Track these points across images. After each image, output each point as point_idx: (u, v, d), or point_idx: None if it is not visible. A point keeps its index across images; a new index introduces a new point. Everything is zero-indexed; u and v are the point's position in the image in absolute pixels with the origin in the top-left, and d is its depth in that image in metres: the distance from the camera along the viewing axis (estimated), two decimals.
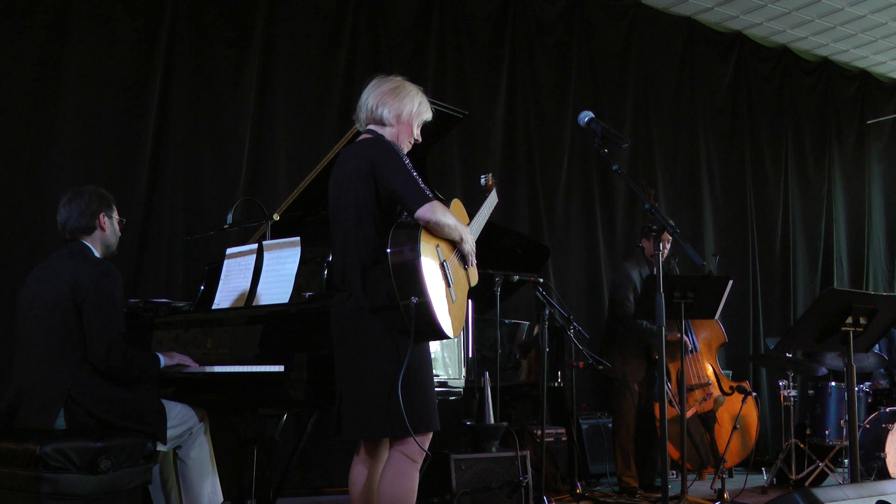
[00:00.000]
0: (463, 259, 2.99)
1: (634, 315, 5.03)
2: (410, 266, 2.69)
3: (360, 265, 2.80)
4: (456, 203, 3.06)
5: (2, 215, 4.66)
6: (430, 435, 2.85)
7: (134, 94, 5.08)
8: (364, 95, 2.98)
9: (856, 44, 8.10)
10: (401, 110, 2.95)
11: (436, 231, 2.82)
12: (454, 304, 2.86)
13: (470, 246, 2.98)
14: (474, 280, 3.07)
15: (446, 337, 2.81)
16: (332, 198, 2.95)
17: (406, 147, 3.00)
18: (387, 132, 2.95)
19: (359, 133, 3.07)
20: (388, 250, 2.71)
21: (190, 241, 4.94)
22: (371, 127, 2.97)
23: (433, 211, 2.76)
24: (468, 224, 3.12)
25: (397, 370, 2.69)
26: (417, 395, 2.74)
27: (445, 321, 2.76)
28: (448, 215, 2.83)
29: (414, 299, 2.66)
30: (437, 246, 2.84)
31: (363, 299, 2.77)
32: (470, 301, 3.78)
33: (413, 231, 2.75)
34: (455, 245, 2.94)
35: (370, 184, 2.81)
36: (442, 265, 2.83)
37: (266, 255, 3.63)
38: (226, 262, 3.81)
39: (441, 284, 2.79)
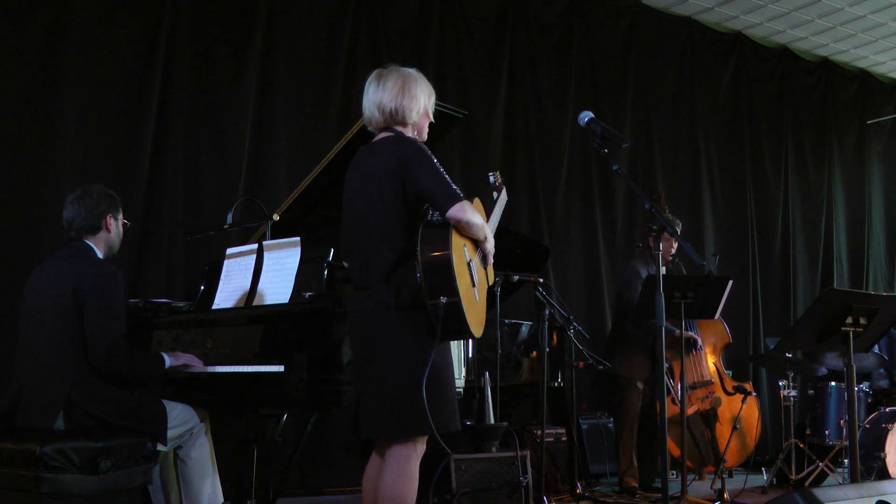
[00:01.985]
0: (483, 259, 2.97)
1: (637, 313, 5.03)
2: (443, 266, 2.66)
3: (384, 264, 2.76)
4: (476, 202, 3.03)
5: (2, 215, 4.66)
6: (425, 436, 2.83)
7: (134, 93, 5.08)
8: (374, 98, 2.92)
9: (856, 44, 8.10)
10: (419, 105, 2.94)
11: (465, 231, 2.80)
12: (477, 304, 2.85)
13: (491, 246, 2.96)
14: (491, 279, 3.07)
15: (472, 336, 2.80)
16: (351, 197, 2.91)
17: (426, 131, 3.00)
18: (409, 130, 2.93)
19: (362, 130, 3.05)
20: (419, 249, 2.68)
21: (190, 241, 4.94)
22: (393, 127, 2.93)
23: (464, 210, 2.74)
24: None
25: (422, 369, 2.67)
26: (437, 395, 2.72)
27: (472, 320, 2.74)
28: (477, 214, 2.82)
29: (443, 299, 2.64)
30: (464, 245, 2.82)
31: (388, 298, 2.73)
32: None
33: (443, 230, 2.72)
34: (478, 244, 2.92)
35: (397, 183, 2.78)
36: (468, 264, 2.82)
37: (266, 255, 3.63)
38: (226, 262, 3.81)
39: (468, 284, 2.78)
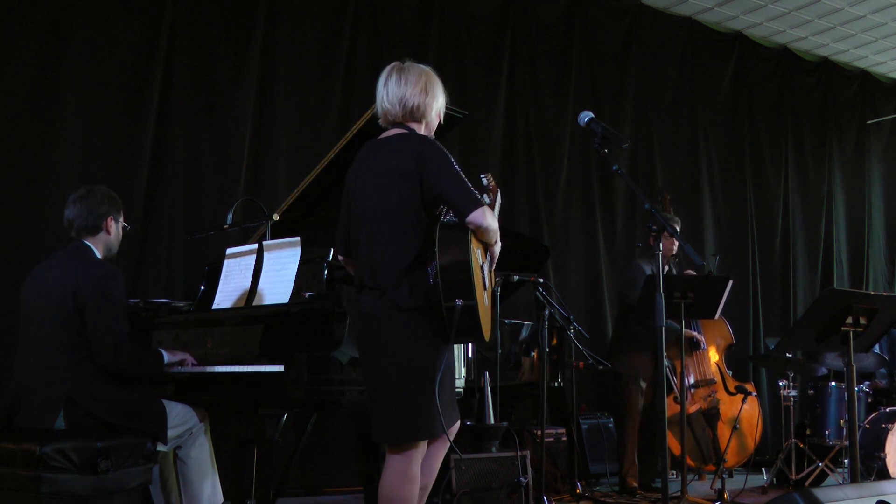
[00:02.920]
0: (490, 262, 2.95)
1: (636, 313, 5.03)
2: (462, 269, 2.63)
3: (399, 263, 2.72)
4: None
5: (2, 215, 4.66)
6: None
7: (134, 93, 5.08)
8: (397, 92, 2.86)
9: (856, 44, 8.10)
10: (438, 105, 2.92)
11: (482, 235, 2.77)
12: (486, 308, 2.83)
13: (499, 248, 2.93)
14: (493, 283, 3.06)
15: (483, 340, 2.78)
16: (360, 193, 2.85)
17: (433, 133, 2.97)
18: (422, 128, 2.90)
19: (363, 130, 3.03)
20: (437, 251, 2.64)
21: (190, 241, 4.94)
22: (408, 123, 2.89)
23: (484, 216, 2.70)
24: None
25: (433, 371, 2.65)
26: (443, 396, 2.70)
27: (484, 324, 2.73)
28: (494, 219, 2.79)
29: (458, 302, 2.61)
30: (478, 249, 2.79)
31: (401, 298, 2.69)
32: None
33: (462, 233, 2.69)
34: (487, 248, 2.89)
35: (415, 183, 2.73)
36: (481, 268, 2.80)
37: (266, 255, 3.64)
38: (226, 262, 3.81)
39: (481, 288, 2.75)
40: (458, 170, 2.75)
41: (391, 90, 2.88)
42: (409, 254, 2.72)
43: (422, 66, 2.95)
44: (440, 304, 2.63)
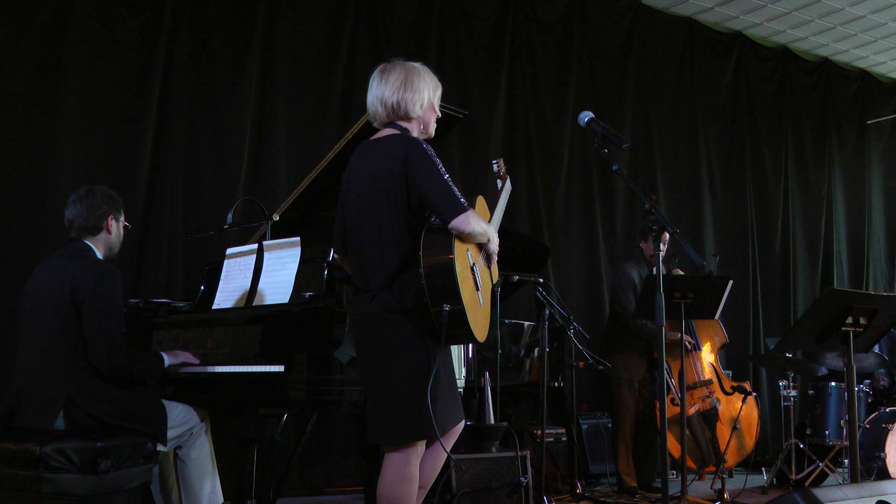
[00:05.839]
0: (487, 258, 2.95)
1: (635, 315, 5.04)
2: (446, 273, 2.63)
3: (388, 266, 2.72)
4: (480, 201, 2.99)
5: (2, 215, 4.66)
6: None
7: (134, 93, 5.08)
8: (377, 92, 2.88)
9: (856, 44, 8.10)
10: (423, 99, 2.89)
11: (467, 240, 2.77)
12: (481, 308, 2.82)
13: (495, 245, 2.93)
14: (496, 277, 3.05)
15: (476, 342, 2.78)
16: (352, 195, 2.86)
17: (433, 126, 2.96)
18: (414, 125, 2.89)
19: (363, 130, 3.03)
20: (421, 255, 2.64)
21: (190, 241, 4.94)
22: (397, 122, 2.89)
23: (468, 222, 2.69)
24: (489, 220, 3.04)
25: (425, 374, 2.65)
26: (436, 398, 2.70)
27: (475, 326, 2.72)
28: (480, 222, 2.78)
29: (446, 307, 2.61)
30: (468, 249, 2.79)
31: (392, 301, 2.70)
32: None
33: (446, 237, 2.69)
34: (481, 246, 2.90)
35: (402, 185, 2.73)
36: (472, 269, 2.79)
37: (266, 255, 3.64)
38: (226, 262, 3.81)
39: (472, 289, 2.75)
40: (444, 173, 2.74)
41: (373, 91, 2.90)
42: (398, 256, 2.73)
43: (409, 63, 2.94)
44: (430, 307, 2.64)
